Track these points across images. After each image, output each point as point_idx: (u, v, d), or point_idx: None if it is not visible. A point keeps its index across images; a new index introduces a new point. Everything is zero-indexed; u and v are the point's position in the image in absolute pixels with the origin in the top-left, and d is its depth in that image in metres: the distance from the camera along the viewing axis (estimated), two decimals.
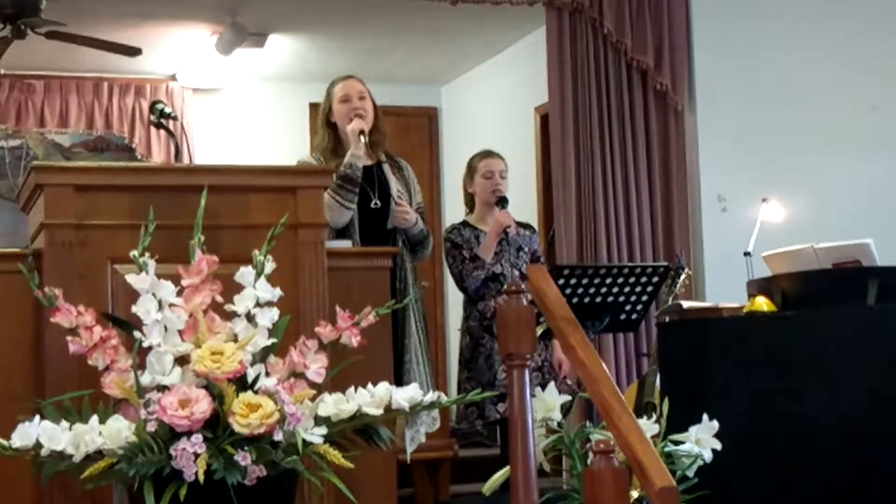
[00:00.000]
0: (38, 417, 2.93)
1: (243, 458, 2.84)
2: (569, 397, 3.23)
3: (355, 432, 3.13)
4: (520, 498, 2.80)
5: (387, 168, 4.82)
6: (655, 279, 4.68)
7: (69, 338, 3.03)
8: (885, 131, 6.78)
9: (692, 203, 6.57)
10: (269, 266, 3.13)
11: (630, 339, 6.34)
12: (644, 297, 4.68)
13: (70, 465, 2.88)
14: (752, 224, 5.91)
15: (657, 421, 3.19)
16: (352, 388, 3.12)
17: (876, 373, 3.69)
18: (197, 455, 2.80)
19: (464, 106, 8.92)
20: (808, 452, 3.66)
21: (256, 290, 3.10)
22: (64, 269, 3.31)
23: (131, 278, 3.06)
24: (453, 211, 7.61)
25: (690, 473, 3.05)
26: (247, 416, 2.88)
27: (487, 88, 8.55)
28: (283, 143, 8.13)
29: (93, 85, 8.42)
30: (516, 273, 5.04)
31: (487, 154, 5.31)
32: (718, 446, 3.09)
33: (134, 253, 3.06)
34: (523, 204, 6.80)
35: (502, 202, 5.16)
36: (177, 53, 8.00)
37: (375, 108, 4.78)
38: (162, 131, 5.46)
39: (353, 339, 3.17)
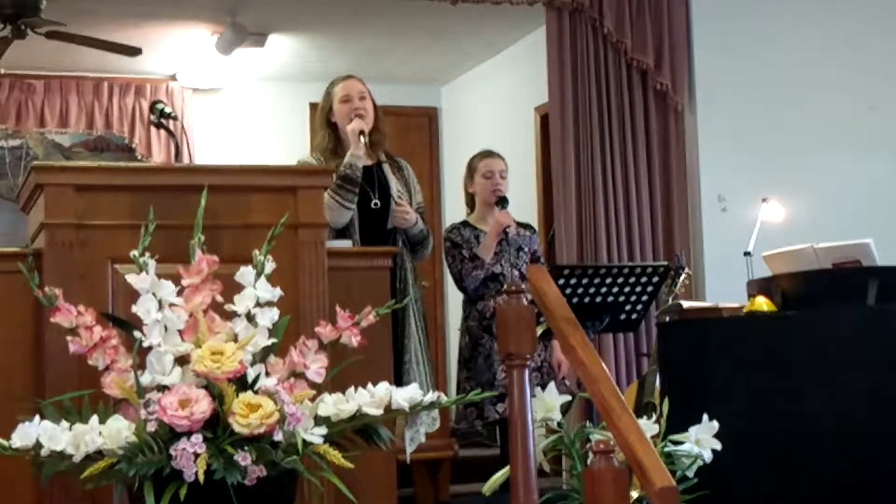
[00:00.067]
0: (38, 417, 2.93)
1: (243, 458, 2.84)
2: (568, 397, 3.23)
3: (355, 432, 3.13)
4: (520, 498, 2.80)
5: (387, 168, 4.82)
6: (655, 279, 4.68)
7: (69, 338, 3.03)
8: (885, 131, 6.77)
9: (692, 203, 6.57)
10: (269, 266, 3.13)
11: (630, 339, 6.34)
12: (644, 297, 4.68)
13: (70, 465, 2.88)
14: (752, 224, 5.91)
15: (657, 421, 3.19)
16: (352, 388, 3.12)
17: (876, 373, 3.69)
18: (197, 455, 2.80)
19: (464, 106, 8.92)
20: (808, 452, 3.66)
21: (256, 290, 3.10)
22: (64, 269, 3.31)
23: (131, 278, 3.06)
24: (453, 211, 7.61)
25: (690, 473, 3.05)
26: (247, 416, 2.88)
27: (487, 88, 8.55)
28: (283, 143, 8.13)
29: (93, 85, 8.41)
30: (516, 273, 5.04)
31: (487, 154, 5.32)
32: (718, 446, 3.09)
33: (134, 253, 3.06)
34: (523, 204, 6.80)
35: (502, 202, 5.16)
36: (177, 53, 8.00)
37: (376, 109, 4.78)
38: (162, 131, 5.47)
39: (353, 339, 3.17)
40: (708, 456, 3.08)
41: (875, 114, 6.75)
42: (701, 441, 3.09)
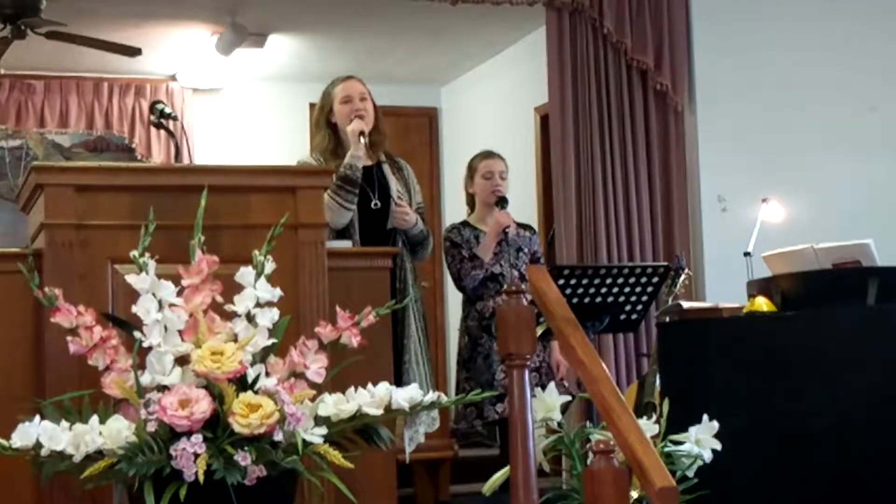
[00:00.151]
0: (38, 417, 2.93)
1: (243, 458, 2.84)
2: (568, 398, 3.23)
3: (355, 432, 3.13)
4: (520, 498, 2.80)
5: (386, 168, 4.82)
6: (655, 279, 4.68)
7: (69, 338, 3.03)
8: (885, 131, 6.77)
9: (692, 203, 6.57)
10: (269, 266, 3.14)
11: (630, 340, 6.34)
12: (644, 298, 4.68)
13: (70, 465, 2.88)
14: (752, 224, 5.91)
15: (657, 421, 3.19)
16: (352, 388, 3.13)
17: (876, 373, 3.69)
18: (197, 455, 2.80)
19: (464, 106, 8.92)
20: (807, 452, 3.66)
21: (256, 290, 3.10)
22: (64, 269, 3.31)
23: (131, 278, 3.06)
24: (453, 211, 7.62)
25: (690, 473, 3.06)
26: (247, 416, 2.88)
27: (487, 88, 8.55)
28: (283, 143, 8.13)
29: (93, 85, 8.42)
30: (515, 274, 5.04)
31: (488, 155, 5.32)
32: (718, 446, 3.09)
33: (134, 253, 3.06)
34: (523, 204, 6.81)
35: (502, 202, 5.16)
36: (177, 53, 8.00)
37: (376, 109, 4.78)
38: (162, 131, 5.46)
39: (353, 339, 3.17)
40: (708, 456, 3.08)
41: (875, 114, 6.75)
42: (701, 441, 3.09)
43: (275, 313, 3.13)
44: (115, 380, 2.99)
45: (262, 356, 3.09)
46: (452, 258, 5.16)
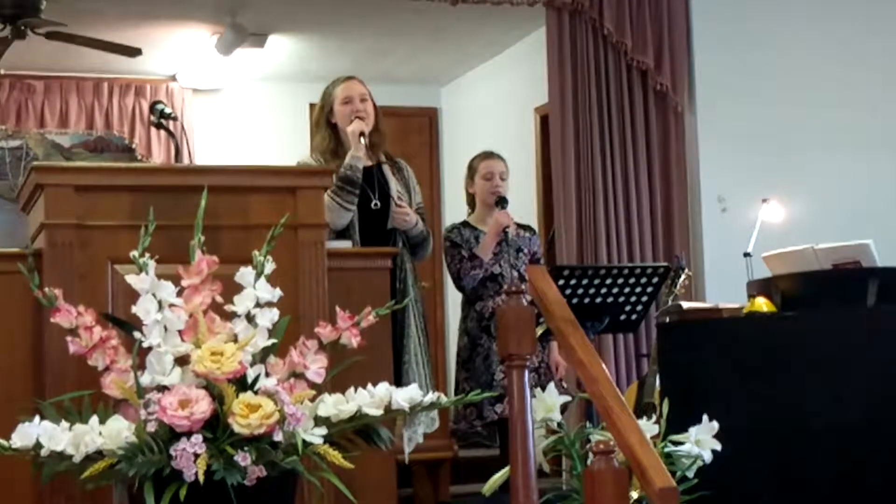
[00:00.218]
0: (38, 418, 2.93)
1: (243, 458, 2.84)
2: (568, 398, 3.23)
3: (355, 433, 3.13)
4: (520, 499, 2.80)
5: (386, 169, 4.82)
6: (655, 280, 4.68)
7: (69, 338, 3.04)
8: (885, 131, 6.77)
9: (692, 203, 6.56)
10: (269, 266, 3.14)
11: (630, 340, 6.34)
12: (644, 298, 4.68)
13: (70, 466, 2.89)
14: (752, 224, 5.91)
15: (657, 421, 3.19)
16: (351, 389, 3.13)
17: (876, 373, 3.69)
18: (197, 455, 2.80)
19: (464, 106, 8.92)
20: (807, 452, 3.66)
21: (256, 290, 3.10)
22: (64, 269, 3.31)
23: (131, 278, 3.06)
24: (453, 211, 7.61)
25: (690, 474, 3.05)
26: (247, 416, 2.88)
27: (487, 89, 8.55)
28: (283, 143, 8.12)
29: (93, 85, 8.41)
30: (515, 274, 5.04)
31: (488, 155, 5.32)
32: (718, 447, 3.09)
33: (134, 253, 3.06)
34: (523, 204, 6.80)
35: (502, 202, 5.16)
36: (177, 54, 8.00)
37: (376, 110, 4.79)
38: (162, 131, 5.47)
39: (352, 339, 3.18)
40: (708, 456, 3.08)
41: (875, 113, 6.75)
42: (701, 441, 3.09)
43: (275, 313, 3.13)
44: (115, 380, 2.99)
45: (261, 356, 3.09)
46: (452, 258, 5.17)
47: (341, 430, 3.08)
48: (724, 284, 5.94)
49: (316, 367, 3.11)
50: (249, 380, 3.00)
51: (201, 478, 2.78)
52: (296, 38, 7.78)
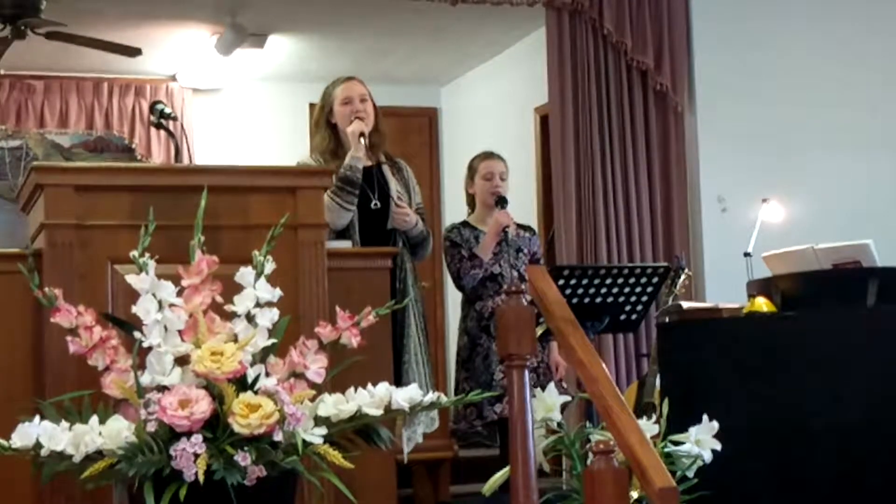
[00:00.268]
0: (37, 418, 2.93)
1: (243, 458, 2.84)
2: (568, 398, 3.23)
3: (355, 433, 3.13)
4: (520, 498, 2.80)
5: (386, 169, 4.82)
6: (655, 280, 4.68)
7: (69, 338, 3.04)
8: (885, 131, 6.77)
9: (692, 203, 6.56)
10: (269, 266, 3.14)
11: (630, 340, 6.34)
12: (644, 298, 4.68)
13: (70, 466, 2.89)
14: (752, 224, 5.91)
15: (657, 421, 3.19)
16: (351, 389, 3.13)
17: (876, 373, 3.69)
18: (197, 455, 2.80)
19: (464, 106, 8.92)
20: (807, 452, 3.66)
21: (256, 290, 3.10)
22: (64, 269, 3.31)
23: (131, 278, 3.06)
24: (453, 211, 7.61)
25: (690, 474, 3.05)
26: (247, 416, 2.88)
27: (487, 89, 8.55)
28: (283, 143, 8.12)
29: (93, 85, 8.41)
30: (515, 274, 5.04)
31: (488, 155, 5.32)
32: (718, 447, 3.09)
33: (134, 253, 3.06)
34: (523, 204, 6.80)
35: (502, 202, 5.16)
36: (177, 54, 8.00)
37: (376, 110, 4.79)
38: (162, 131, 5.46)
39: (352, 339, 3.18)
40: (708, 456, 3.08)
41: (875, 113, 6.75)
42: (701, 441, 3.09)
43: (274, 313, 3.13)
44: (115, 380, 2.99)
45: (261, 356, 3.09)
46: (452, 257, 5.17)
47: (341, 430, 3.08)
48: (724, 284, 5.94)
49: (316, 367, 3.11)
50: (249, 380, 3.00)
51: (201, 478, 2.78)
52: (296, 38, 7.78)
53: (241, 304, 3.09)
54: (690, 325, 4.26)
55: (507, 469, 2.96)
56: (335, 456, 2.95)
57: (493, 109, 8.43)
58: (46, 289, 3.07)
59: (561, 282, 4.46)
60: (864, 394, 3.67)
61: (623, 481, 2.46)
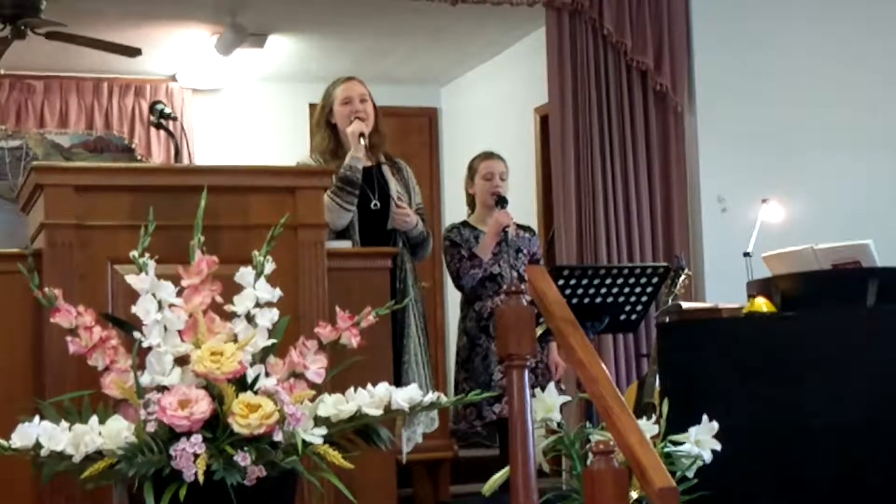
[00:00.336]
0: (37, 418, 2.93)
1: (243, 458, 2.84)
2: (568, 398, 3.23)
3: (355, 433, 3.13)
4: (520, 499, 2.80)
5: (386, 169, 4.82)
6: (655, 280, 4.68)
7: (69, 338, 3.03)
8: (885, 131, 6.77)
9: (692, 203, 6.56)
10: (269, 266, 3.14)
11: (630, 340, 6.34)
12: (644, 298, 4.68)
13: (70, 466, 2.88)
14: (752, 225, 5.91)
15: (657, 421, 3.19)
16: (351, 389, 3.13)
17: (876, 373, 3.69)
18: (196, 455, 2.80)
19: (464, 106, 8.92)
20: (807, 452, 3.66)
21: (256, 290, 3.10)
22: (64, 269, 3.31)
23: (131, 279, 3.06)
24: (453, 211, 7.61)
25: (690, 474, 3.05)
26: (246, 416, 2.88)
27: (487, 89, 8.55)
28: (283, 143, 8.12)
29: (93, 85, 8.41)
30: (514, 275, 5.04)
31: (488, 156, 5.32)
32: (718, 447, 3.09)
33: (134, 253, 3.06)
34: (523, 204, 6.80)
35: (502, 202, 5.16)
36: (177, 54, 8.00)
37: (376, 111, 4.78)
38: (162, 131, 5.46)
39: (352, 339, 3.17)
40: (707, 456, 3.08)
41: (875, 113, 6.75)
42: (700, 441, 3.09)
43: (274, 314, 3.13)
44: (115, 380, 2.99)
45: (261, 356, 3.09)
46: (452, 257, 5.17)
47: (341, 430, 3.08)
48: (724, 284, 5.94)
49: (316, 367, 3.11)
50: (249, 380, 3.00)
51: (201, 478, 2.78)
52: (296, 38, 7.78)
53: (241, 304, 3.09)
54: (690, 325, 4.26)
55: (506, 469, 2.96)
56: (335, 456, 2.95)
57: (493, 109, 8.43)
58: (46, 289, 3.07)
59: (561, 282, 4.46)
60: (864, 394, 3.67)
61: (623, 481, 2.46)
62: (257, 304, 3.10)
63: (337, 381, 3.17)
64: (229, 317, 3.09)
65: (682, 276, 5.36)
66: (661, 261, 6.15)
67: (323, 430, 3.00)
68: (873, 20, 6.85)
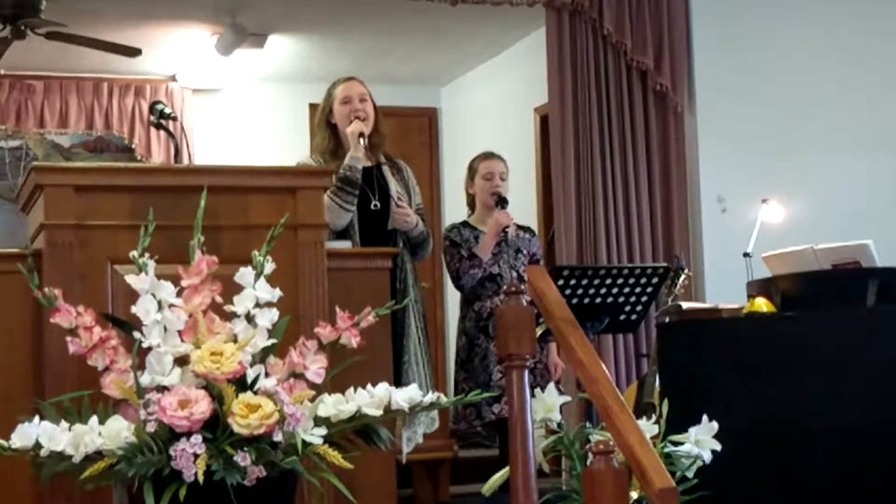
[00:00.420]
0: (37, 418, 2.93)
1: (243, 458, 2.84)
2: (567, 398, 3.22)
3: (355, 433, 3.13)
4: (519, 499, 2.80)
5: (386, 170, 4.82)
6: (655, 280, 4.68)
7: (69, 338, 3.04)
8: (885, 131, 6.77)
9: (692, 204, 6.56)
10: (269, 266, 3.14)
11: (630, 340, 6.34)
12: (644, 298, 4.68)
13: (70, 466, 2.88)
14: (752, 225, 5.91)
15: (657, 422, 3.19)
16: (351, 389, 3.13)
17: (876, 373, 3.69)
18: (196, 455, 2.80)
19: (464, 106, 8.92)
20: (807, 452, 3.66)
21: (256, 290, 3.10)
22: (64, 269, 3.31)
23: (131, 279, 3.06)
24: (453, 211, 7.61)
25: (690, 474, 3.05)
26: (246, 416, 2.88)
27: (487, 89, 8.55)
28: (283, 143, 8.12)
29: (93, 85, 8.41)
30: (514, 275, 5.04)
31: (488, 156, 5.32)
32: (718, 447, 3.09)
33: (134, 253, 3.06)
34: (523, 204, 6.80)
35: (502, 202, 5.16)
36: (177, 54, 8.00)
37: (376, 110, 4.78)
38: (162, 132, 5.46)
39: (352, 339, 3.17)
40: (707, 456, 3.08)
41: (875, 113, 6.75)
42: (700, 442, 3.09)
43: (274, 314, 3.13)
44: (115, 380, 2.99)
45: (261, 357, 3.09)
46: (451, 257, 5.17)
47: (341, 430, 3.08)
48: (724, 284, 5.94)
49: (316, 367, 3.11)
50: (249, 380, 3.00)
51: (201, 478, 2.78)
52: (296, 38, 7.78)
53: (241, 304, 3.09)
54: (690, 325, 4.26)
55: (506, 469, 2.96)
56: (335, 456, 2.95)
57: (493, 109, 8.43)
58: (46, 289, 3.07)
59: (561, 282, 4.46)
60: (864, 394, 3.67)
61: (623, 481, 2.46)
62: (257, 305, 3.10)
63: (337, 382, 3.17)
64: (229, 317, 3.09)
65: (682, 277, 5.36)
66: (661, 261, 6.15)
67: (323, 431, 3.00)
68: (873, 20, 6.85)
